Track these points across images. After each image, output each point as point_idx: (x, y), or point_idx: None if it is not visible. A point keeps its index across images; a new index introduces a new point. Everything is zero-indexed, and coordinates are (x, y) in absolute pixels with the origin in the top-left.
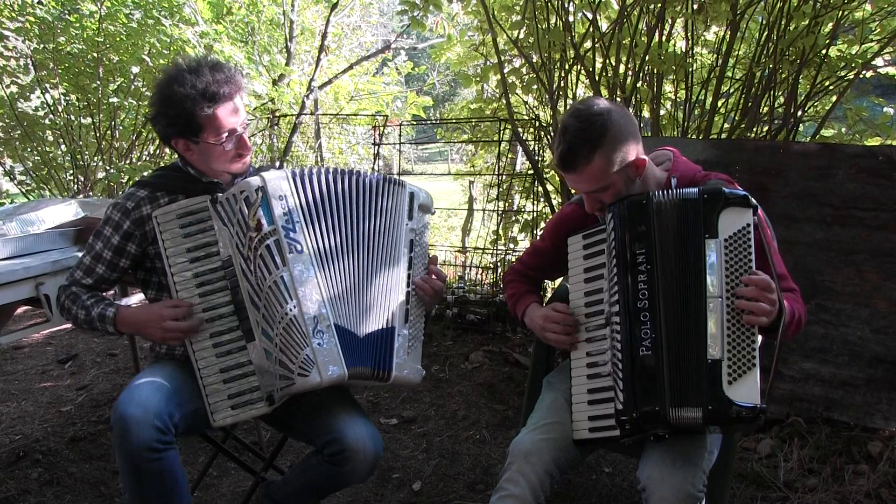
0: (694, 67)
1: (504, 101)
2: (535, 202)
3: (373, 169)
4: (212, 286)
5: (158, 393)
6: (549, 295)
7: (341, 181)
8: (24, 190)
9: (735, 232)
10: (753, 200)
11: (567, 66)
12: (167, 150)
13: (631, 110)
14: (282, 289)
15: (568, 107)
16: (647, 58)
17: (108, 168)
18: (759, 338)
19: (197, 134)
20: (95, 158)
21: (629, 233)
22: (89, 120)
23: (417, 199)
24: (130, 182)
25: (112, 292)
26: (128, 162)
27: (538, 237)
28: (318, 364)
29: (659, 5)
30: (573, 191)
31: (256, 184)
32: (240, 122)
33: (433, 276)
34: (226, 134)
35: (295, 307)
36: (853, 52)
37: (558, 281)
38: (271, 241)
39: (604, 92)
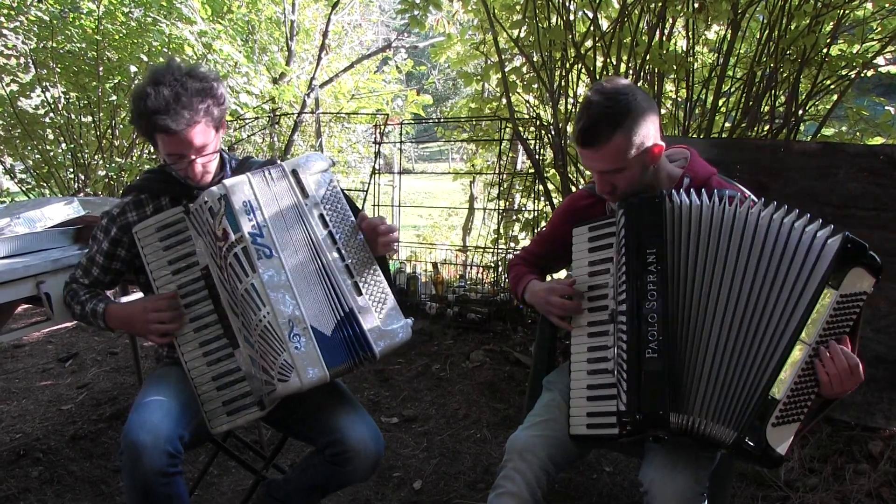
0: (695, 66)
1: (505, 100)
2: (536, 201)
3: (374, 168)
4: (195, 296)
5: (168, 416)
6: None
7: (276, 172)
8: (24, 188)
9: (853, 293)
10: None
11: (568, 66)
12: None
13: None
14: (254, 296)
15: (569, 105)
16: (647, 57)
17: (108, 166)
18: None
19: (156, 145)
20: (96, 157)
21: (642, 230)
22: (90, 118)
23: (303, 171)
24: (129, 178)
25: (113, 291)
26: (128, 160)
27: (545, 226)
28: (297, 368)
29: (660, 4)
30: (579, 181)
31: (219, 192)
32: (193, 150)
33: (367, 229)
34: (172, 156)
35: (268, 314)
36: (854, 52)
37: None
38: (238, 249)
39: None
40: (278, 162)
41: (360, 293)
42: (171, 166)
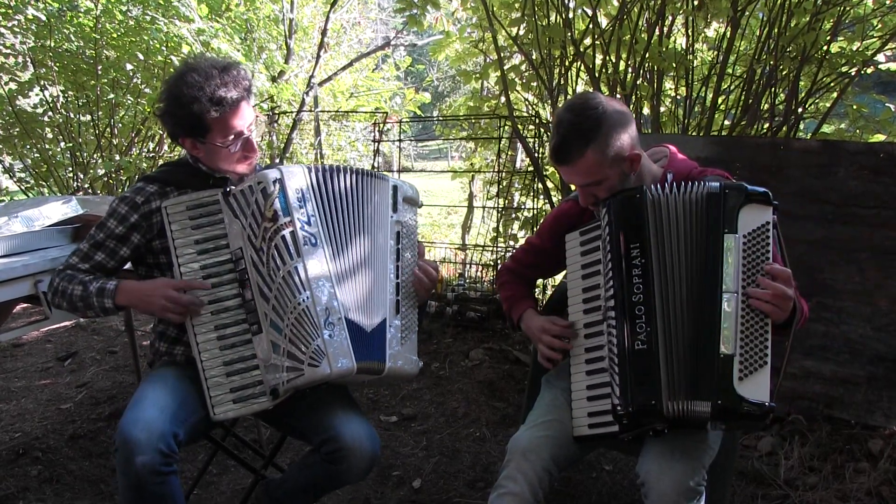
0: (694, 64)
1: (504, 98)
2: (535, 199)
3: (373, 166)
4: (219, 279)
5: (163, 413)
6: (548, 292)
7: (350, 177)
8: (23, 187)
9: (754, 229)
10: (773, 199)
11: (567, 63)
12: (165, 147)
13: (631, 107)
14: (295, 279)
15: None
16: (647, 55)
17: (107, 164)
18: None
19: (204, 135)
20: (95, 155)
21: (623, 226)
22: (88, 117)
23: (401, 191)
24: (127, 176)
25: None
26: (126, 158)
27: (534, 233)
28: (329, 355)
29: (659, 2)
30: (572, 187)
31: (274, 176)
32: (247, 124)
33: (422, 269)
34: (232, 136)
35: (308, 298)
36: (854, 49)
37: (559, 277)
38: (286, 231)
39: (604, 89)
40: (387, 175)
41: (397, 312)
42: (228, 147)
